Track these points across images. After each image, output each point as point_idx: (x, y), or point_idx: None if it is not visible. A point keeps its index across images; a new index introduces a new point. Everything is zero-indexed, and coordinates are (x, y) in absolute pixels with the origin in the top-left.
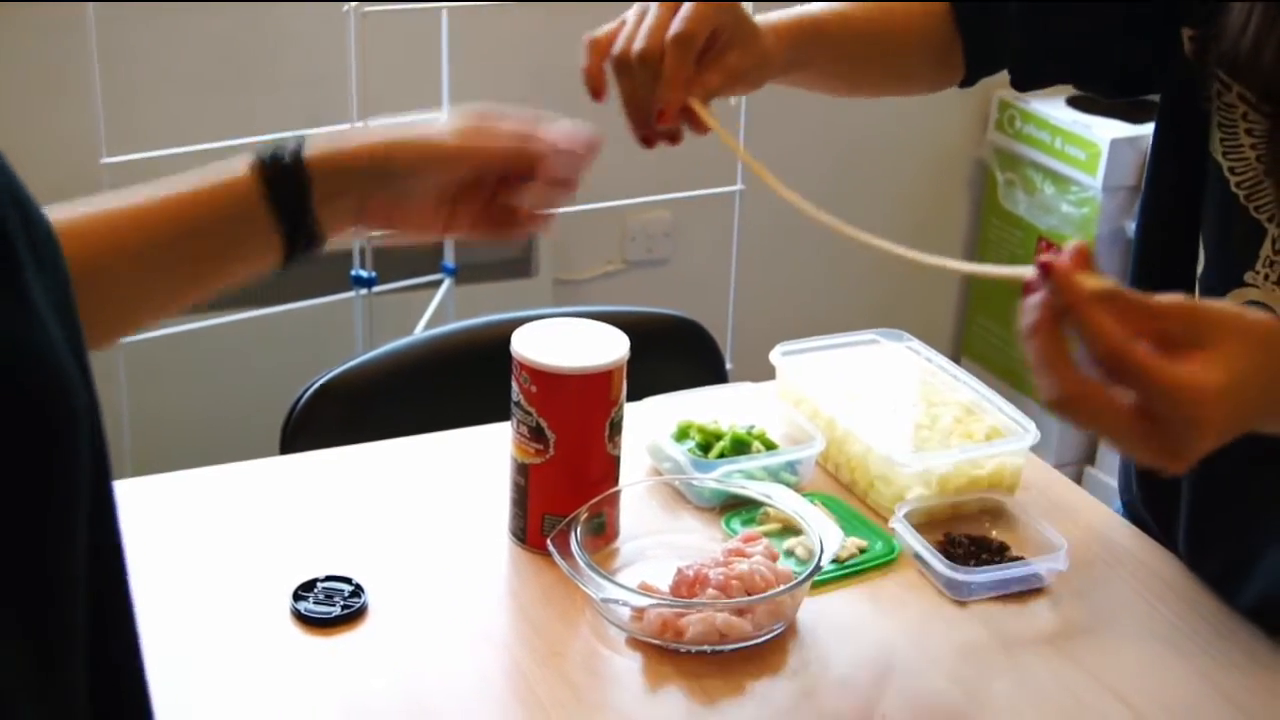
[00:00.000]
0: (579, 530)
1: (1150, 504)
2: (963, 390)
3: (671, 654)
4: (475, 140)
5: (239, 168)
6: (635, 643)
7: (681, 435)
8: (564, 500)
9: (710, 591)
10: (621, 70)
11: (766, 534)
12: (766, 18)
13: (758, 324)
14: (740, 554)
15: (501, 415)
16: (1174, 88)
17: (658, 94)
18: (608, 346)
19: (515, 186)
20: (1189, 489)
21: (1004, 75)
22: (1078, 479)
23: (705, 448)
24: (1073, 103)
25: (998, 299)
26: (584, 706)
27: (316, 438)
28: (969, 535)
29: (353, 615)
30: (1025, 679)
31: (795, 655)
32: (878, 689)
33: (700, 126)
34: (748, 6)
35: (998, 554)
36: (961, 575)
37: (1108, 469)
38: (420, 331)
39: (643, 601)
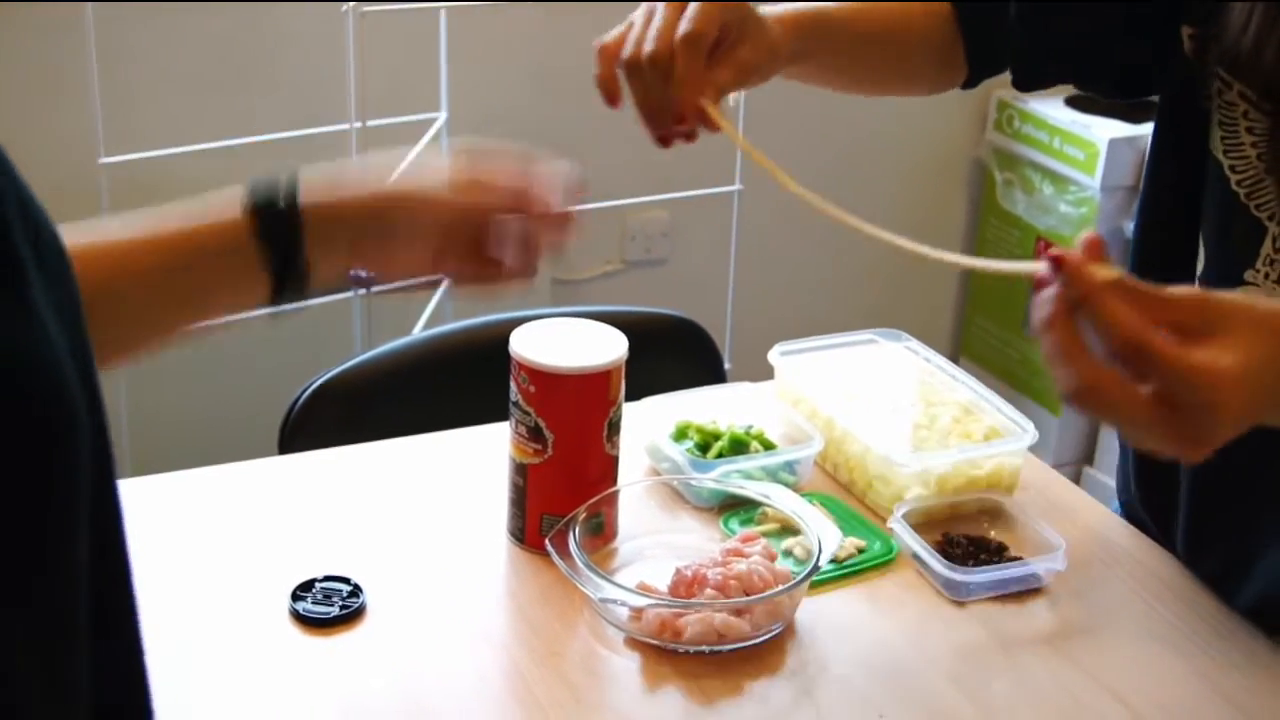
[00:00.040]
0: (577, 530)
1: (1149, 504)
2: (961, 390)
3: (670, 654)
4: (471, 195)
5: (232, 204)
6: (633, 643)
7: (680, 435)
8: (562, 500)
9: (708, 592)
10: (633, 74)
11: (765, 534)
12: (771, 9)
13: (756, 324)
14: (738, 554)
15: (500, 415)
16: (1174, 86)
17: (671, 95)
18: (606, 346)
19: (504, 239)
20: (1187, 489)
21: (1003, 75)
22: (1076, 479)
23: (703, 448)
24: (1071, 103)
25: (996, 299)
26: (582, 707)
27: (315, 438)
28: (967, 535)
29: (351, 615)
30: (1023, 679)
31: (793, 655)
32: (876, 689)
33: (713, 125)
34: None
35: (996, 554)
36: (960, 575)
37: (1106, 469)
38: (419, 331)
39: (641, 602)
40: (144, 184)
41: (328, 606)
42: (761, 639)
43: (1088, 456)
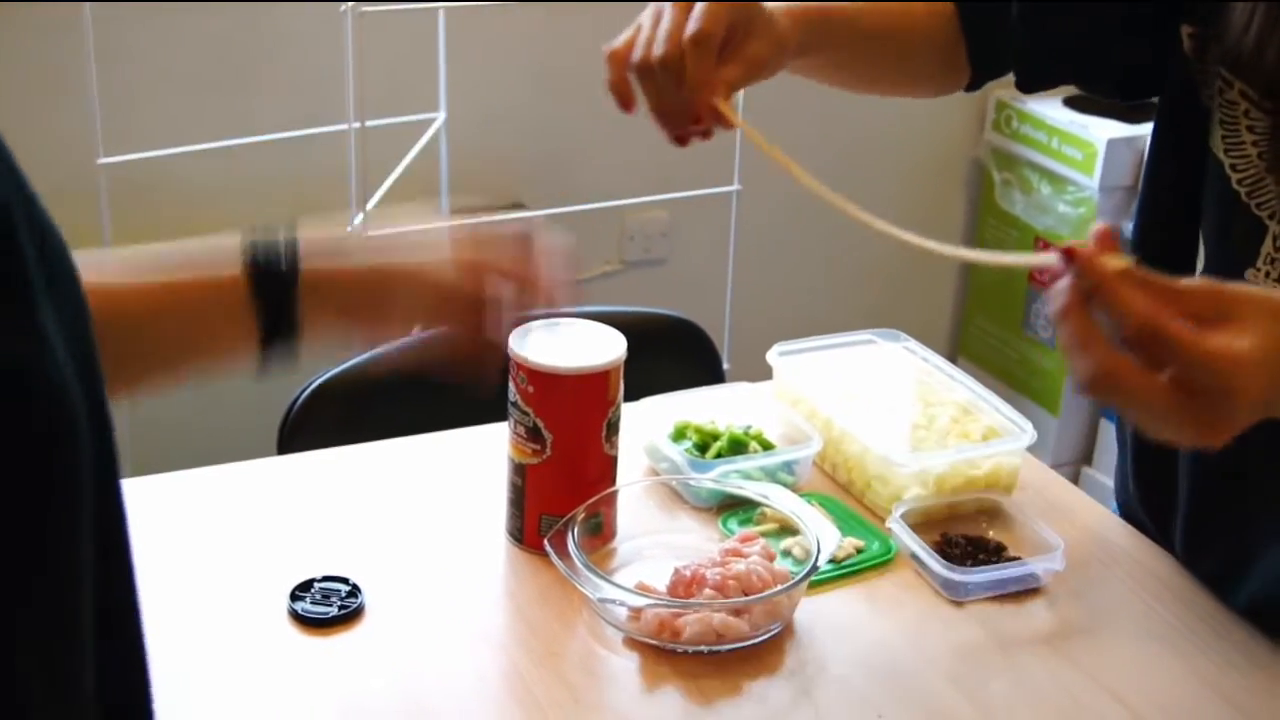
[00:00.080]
0: (576, 530)
1: (1147, 504)
2: (959, 390)
3: (669, 654)
4: (472, 283)
5: (232, 256)
6: (632, 643)
7: (678, 435)
8: (561, 500)
9: (707, 592)
10: (645, 77)
11: (764, 534)
12: (776, 4)
13: (755, 324)
14: (737, 554)
15: (499, 415)
16: (1174, 86)
17: (685, 96)
18: (605, 347)
19: (501, 324)
20: (1186, 489)
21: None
22: (1074, 479)
23: (702, 448)
24: (1069, 103)
25: (995, 300)
26: (581, 707)
27: (314, 438)
28: (966, 535)
29: (350, 615)
30: (1022, 679)
31: (792, 655)
32: (875, 689)
33: (727, 123)
34: None
35: (994, 554)
36: (958, 575)
37: (1104, 469)
38: (417, 331)
39: (640, 602)
40: (142, 184)
41: (326, 606)
42: (760, 639)
43: (1086, 457)
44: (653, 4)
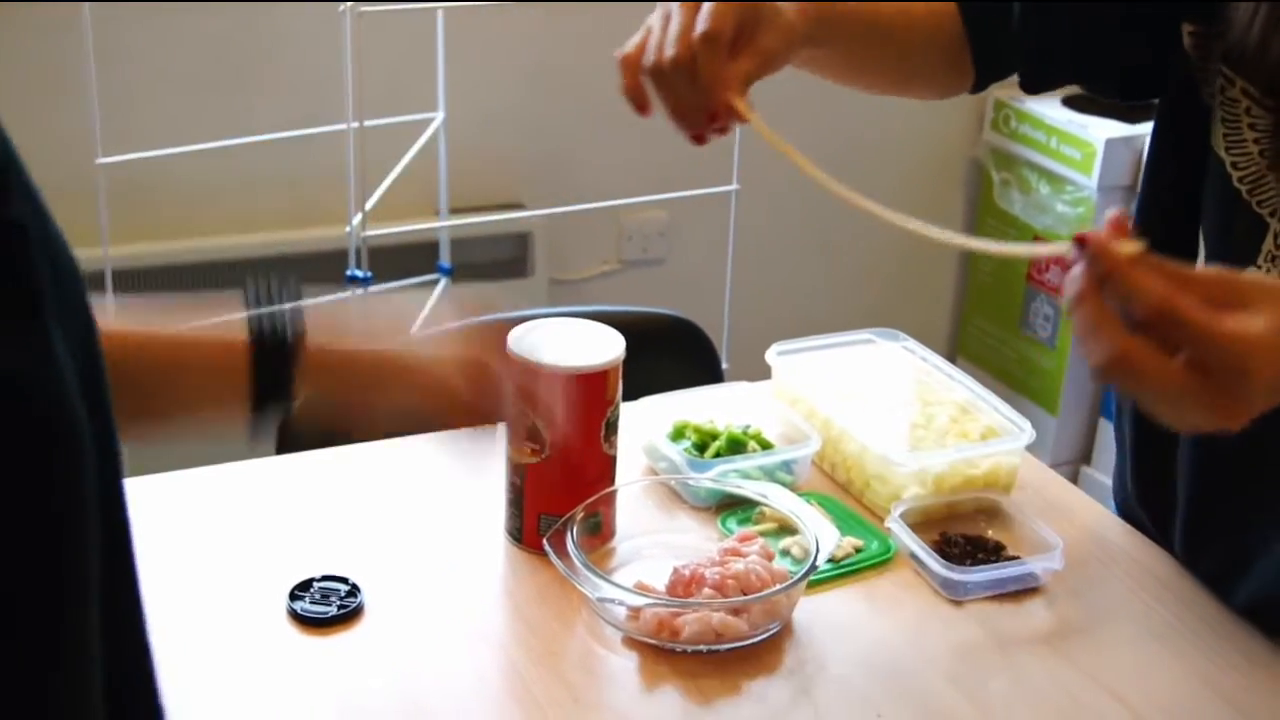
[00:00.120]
0: (575, 530)
1: (1146, 503)
2: (958, 390)
3: (668, 653)
4: (473, 387)
5: (236, 324)
6: (631, 642)
7: (677, 435)
8: (560, 500)
9: (706, 591)
10: (659, 80)
11: (762, 533)
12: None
13: (753, 323)
14: (736, 553)
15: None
16: (1174, 84)
17: (699, 95)
18: (603, 346)
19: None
20: (1185, 488)
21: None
22: (1073, 479)
23: (701, 447)
24: (1068, 102)
25: (994, 299)
26: (580, 706)
27: (313, 438)
28: (965, 534)
29: (349, 615)
30: (1021, 678)
31: (791, 655)
32: (874, 688)
33: (742, 118)
34: None
35: (993, 553)
36: (957, 574)
37: (1103, 469)
38: (416, 331)
39: (639, 601)
40: (142, 184)
41: (326, 606)
42: (759, 638)
43: (1085, 456)
44: (661, 6)
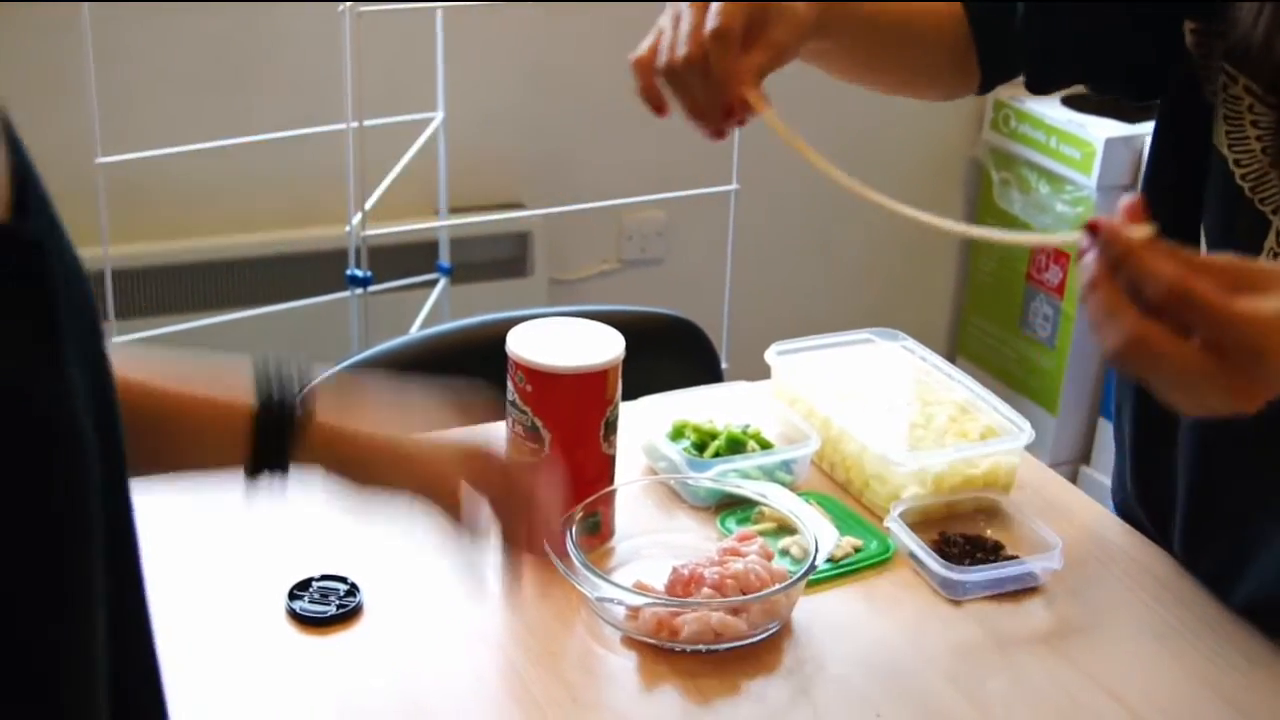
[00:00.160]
0: (574, 529)
1: (1146, 502)
2: (958, 390)
3: (667, 653)
4: (473, 479)
5: (243, 386)
6: (630, 642)
7: (677, 434)
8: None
9: (705, 590)
10: (673, 79)
11: (762, 533)
12: None
13: (753, 323)
14: (735, 553)
15: (497, 415)
16: (1176, 82)
17: (714, 92)
18: (603, 346)
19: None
20: (1185, 487)
21: None
22: (1072, 478)
23: (700, 447)
24: (1068, 102)
25: (993, 299)
26: (579, 705)
27: None
28: (964, 534)
29: (348, 614)
30: (1020, 678)
31: (790, 654)
32: (873, 688)
33: (756, 110)
34: None
35: (992, 553)
36: (956, 574)
37: (1102, 469)
38: (416, 331)
39: (638, 600)
40: (141, 184)
41: (325, 605)
42: (758, 638)
43: (1084, 456)
44: (671, 7)
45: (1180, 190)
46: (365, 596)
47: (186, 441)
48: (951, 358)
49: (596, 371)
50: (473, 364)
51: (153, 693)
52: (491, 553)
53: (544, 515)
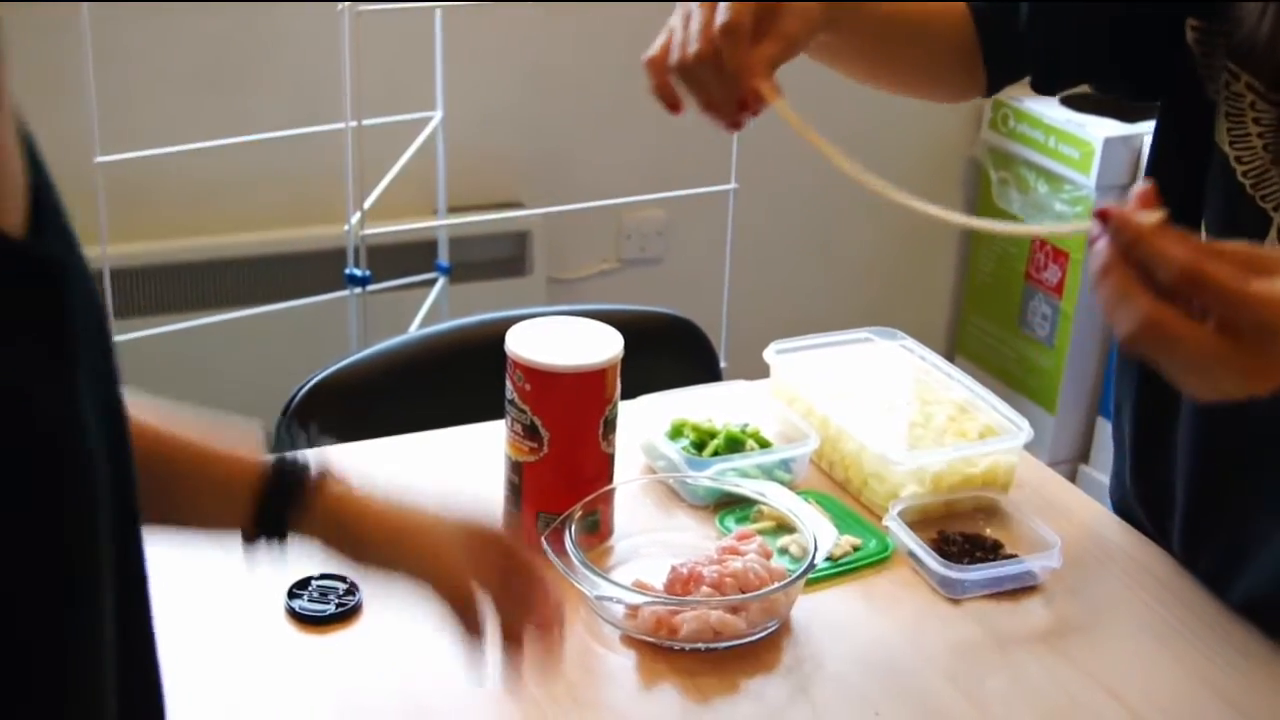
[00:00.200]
0: (573, 528)
1: (1145, 501)
2: (956, 389)
3: (666, 651)
4: (475, 565)
5: (255, 453)
6: (630, 640)
7: (675, 433)
8: (558, 498)
9: (704, 589)
10: (686, 76)
11: (760, 532)
12: None
13: (752, 322)
14: (734, 552)
15: (496, 414)
16: (1177, 80)
17: (727, 86)
18: (602, 345)
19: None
20: (1184, 486)
21: None
22: (1071, 477)
23: (699, 446)
24: (1067, 101)
25: (992, 298)
26: (578, 704)
27: (311, 436)
28: (963, 533)
29: (347, 613)
30: (1019, 676)
31: (789, 653)
32: (872, 686)
33: (769, 100)
34: None
35: (991, 552)
36: (955, 573)
37: (1101, 467)
38: (414, 330)
39: (637, 599)
40: (140, 183)
41: (324, 604)
42: (757, 636)
43: (1083, 455)
44: (680, 6)
45: (1182, 187)
46: (365, 595)
47: (188, 494)
48: (950, 357)
49: (595, 371)
50: (471, 363)
51: (152, 691)
52: (490, 641)
53: (544, 616)
